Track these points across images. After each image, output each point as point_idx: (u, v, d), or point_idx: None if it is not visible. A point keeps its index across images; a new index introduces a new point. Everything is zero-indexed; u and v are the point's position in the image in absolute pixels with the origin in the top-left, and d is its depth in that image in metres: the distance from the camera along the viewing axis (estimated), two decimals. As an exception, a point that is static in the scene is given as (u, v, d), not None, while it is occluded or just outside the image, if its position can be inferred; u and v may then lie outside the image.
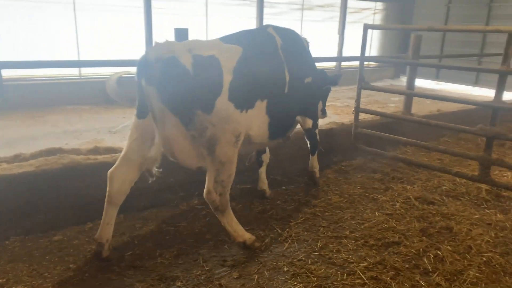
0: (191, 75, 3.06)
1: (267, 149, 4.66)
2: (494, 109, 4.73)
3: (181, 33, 4.25)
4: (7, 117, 6.89)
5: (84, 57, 8.28)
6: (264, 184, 4.62)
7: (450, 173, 5.08)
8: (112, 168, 3.30)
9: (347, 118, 7.26)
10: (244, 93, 3.37)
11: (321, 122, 5.16)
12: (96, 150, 4.64)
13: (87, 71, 8.34)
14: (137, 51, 9.20)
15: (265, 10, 12.49)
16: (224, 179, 3.35)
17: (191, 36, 4.28)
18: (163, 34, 9.41)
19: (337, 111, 8.51)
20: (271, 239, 3.68)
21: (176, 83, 3.04)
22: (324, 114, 4.85)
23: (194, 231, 3.80)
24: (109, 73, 8.33)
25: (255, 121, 3.58)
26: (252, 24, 12.46)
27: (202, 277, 3.12)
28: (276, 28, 4.03)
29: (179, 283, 3.03)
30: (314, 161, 4.93)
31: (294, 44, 4.12)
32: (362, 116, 6.04)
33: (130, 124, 3.35)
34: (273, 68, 3.75)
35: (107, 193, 3.31)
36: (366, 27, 5.56)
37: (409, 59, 7.01)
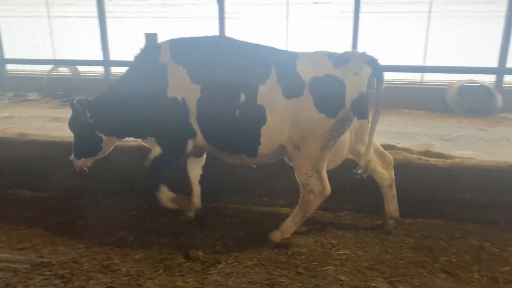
0: None
1: None
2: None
3: None
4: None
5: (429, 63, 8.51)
6: None
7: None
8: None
9: None
10: None
11: None
12: (426, 153, 4.75)
13: (430, 77, 8.53)
14: (487, 59, 8.55)
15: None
16: None
17: None
18: None
19: None
20: None
21: None
22: None
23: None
24: (452, 80, 8.21)
25: None
26: None
27: None
28: None
29: None
30: None
31: None
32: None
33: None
34: None
35: None
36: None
37: None
